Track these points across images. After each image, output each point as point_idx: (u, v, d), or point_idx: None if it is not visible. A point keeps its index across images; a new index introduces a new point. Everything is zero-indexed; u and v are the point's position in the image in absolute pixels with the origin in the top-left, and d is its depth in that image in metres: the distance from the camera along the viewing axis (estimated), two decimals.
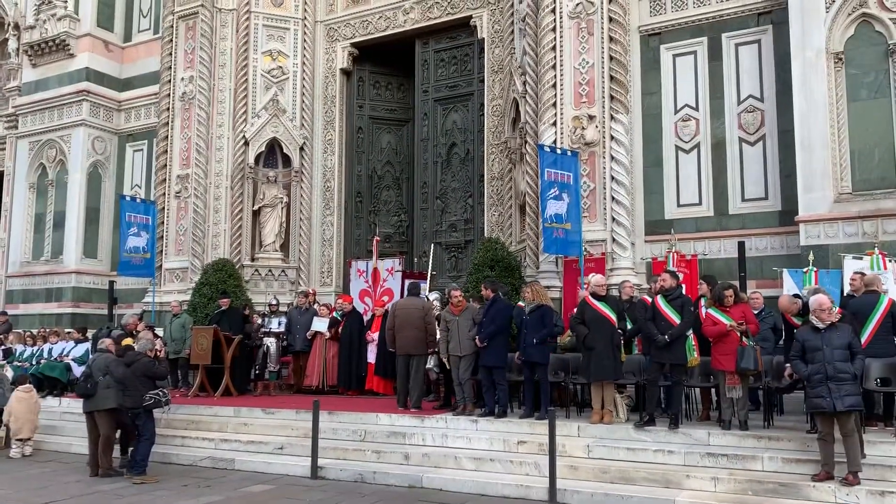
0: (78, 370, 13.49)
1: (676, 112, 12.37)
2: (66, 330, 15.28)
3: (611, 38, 12.01)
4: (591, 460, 8.02)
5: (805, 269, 9.93)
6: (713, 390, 8.92)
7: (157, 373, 9.00)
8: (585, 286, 9.47)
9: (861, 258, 9.75)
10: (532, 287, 9.72)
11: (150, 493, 7.88)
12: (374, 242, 14.37)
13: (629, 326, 9.20)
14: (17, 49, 20.06)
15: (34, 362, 13.64)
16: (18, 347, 14.31)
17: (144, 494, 7.85)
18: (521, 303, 9.83)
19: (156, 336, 13.11)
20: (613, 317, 8.75)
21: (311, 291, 14.08)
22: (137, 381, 8.69)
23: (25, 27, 19.48)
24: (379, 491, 7.86)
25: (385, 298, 13.39)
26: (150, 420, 8.83)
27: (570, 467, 7.75)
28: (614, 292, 10.07)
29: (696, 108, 12.25)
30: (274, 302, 13.42)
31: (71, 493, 8.01)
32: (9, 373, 12.31)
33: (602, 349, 8.63)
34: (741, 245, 11.26)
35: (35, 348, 14.05)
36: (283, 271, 15.89)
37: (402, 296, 13.12)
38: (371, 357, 12.37)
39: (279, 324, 12.90)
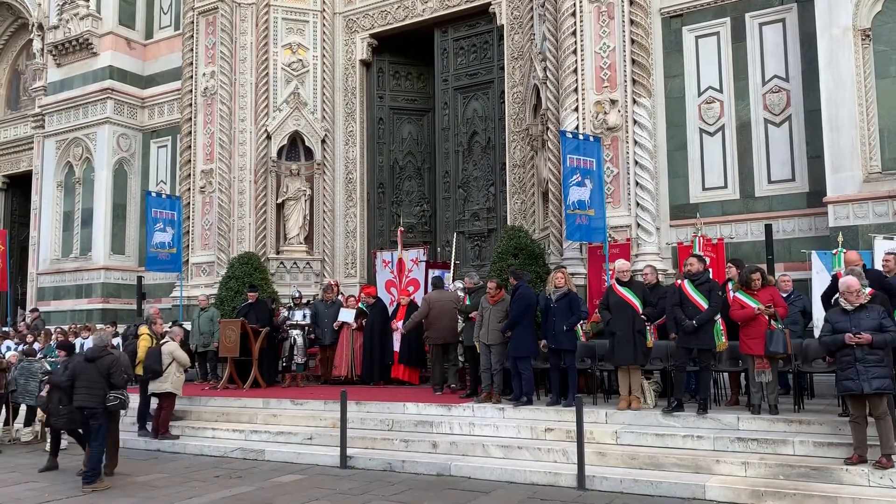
0: None
1: (700, 94, 12.18)
2: (98, 326, 15.53)
3: (632, 21, 11.87)
4: (619, 447, 8.00)
5: (834, 251, 9.76)
6: (742, 375, 8.85)
7: (117, 377, 8.30)
8: (611, 272, 9.41)
9: (892, 238, 9.58)
10: (564, 272, 9.69)
11: (182, 485, 7.99)
12: (398, 233, 14.41)
13: None
14: (42, 49, 20.34)
15: None
16: (52, 343, 14.55)
17: (178, 486, 7.96)
18: (548, 288, 9.75)
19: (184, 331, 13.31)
20: (636, 302, 8.68)
21: (333, 283, 14.14)
22: (102, 380, 8.19)
23: (49, 27, 19.73)
24: (408, 479, 7.91)
25: (410, 289, 13.46)
26: (106, 423, 8.26)
27: (599, 454, 7.74)
28: (640, 278, 10.01)
29: (720, 90, 12.06)
30: (297, 294, 13.51)
31: (107, 484, 8.14)
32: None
33: (623, 334, 8.62)
34: (768, 228, 11.09)
35: None
36: (307, 263, 15.97)
37: (426, 286, 13.23)
38: (396, 346, 12.43)
39: (304, 316, 13.00)
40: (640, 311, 8.68)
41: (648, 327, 8.79)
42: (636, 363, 8.68)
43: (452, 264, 13.37)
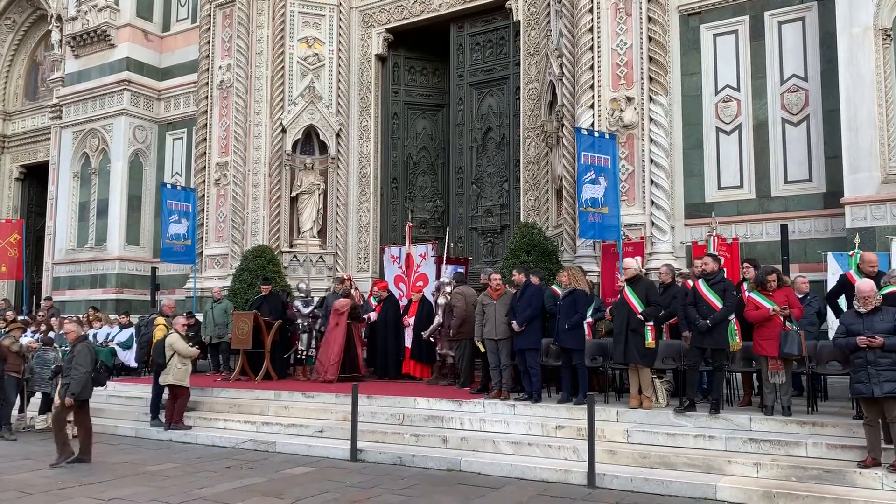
0: (123, 354, 13.86)
1: (717, 93, 12.12)
2: (112, 315, 15.64)
3: (649, 19, 11.81)
4: (630, 445, 7.98)
5: (851, 252, 9.69)
6: (755, 375, 8.80)
7: None
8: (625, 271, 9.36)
9: None
10: (569, 271, 9.67)
11: (194, 475, 8.04)
12: (407, 228, 14.39)
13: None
14: (60, 40, 20.46)
15: None
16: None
17: (190, 476, 8.01)
18: (555, 287, 9.76)
19: (196, 322, 13.38)
20: (634, 301, 8.61)
21: (346, 277, 14.16)
22: None
23: (67, 19, 19.83)
24: (418, 474, 7.92)
25: (420, 284, 13.43)
26: None
27: (609, 452, 7.73)
28: (654, 277, 9.95)
29: (738, 89, 11.99)
30: (303, 286, 13.45)
31: (119, 473, 8.21)
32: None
33: (618, 332, 8.67)
34: (784, 228, 11.03)
35: None
36: (320, 257, 16.02)
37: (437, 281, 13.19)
38: (407, 342, 12.44)
39: (312, 309, 13.01)
40: (638, 310, 8.59)
41: (648, 326, 8.63)
42: (627, 361, 8.66)
43: (445, 258, 13.29)
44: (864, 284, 7.03)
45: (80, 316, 15.63)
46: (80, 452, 8.78)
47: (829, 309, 9.03)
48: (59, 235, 19.47)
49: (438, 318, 11.42)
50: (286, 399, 10.99)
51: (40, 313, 15.30)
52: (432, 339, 11.70)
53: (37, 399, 11.79)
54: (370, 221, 16.31)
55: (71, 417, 10.65)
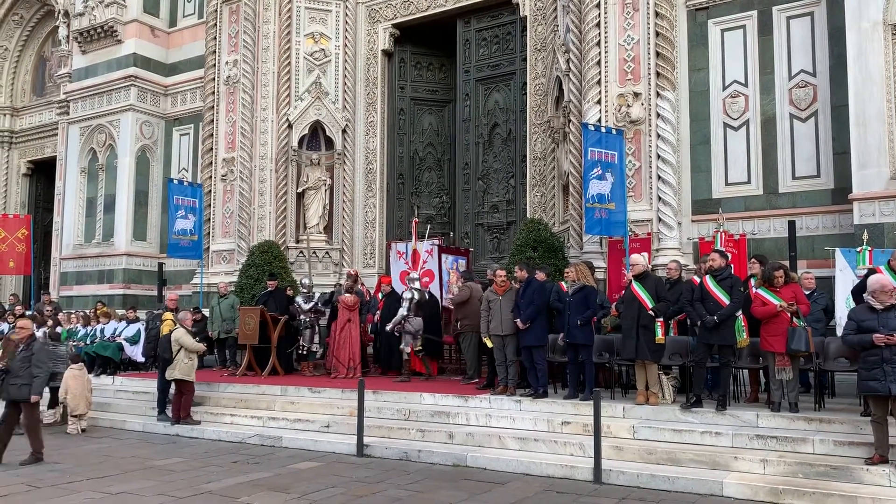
0: (130, 349, 13.91)
1: (724, 88, 12.06)
2: (119, 311, 15.69)
3: (657, 14, 11.77)
4: (636, 441, 7.97)
5: (859, 249, 9.64)
6: (762, 372, 8.77)
7: None
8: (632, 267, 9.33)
9: None
10: (576, 267, 9.66)
11: (201, 470, 8.07)
12: (413, 224, 14.39)
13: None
14: (68, 36, 20.51)
15: (88, 342, 14.06)
16: (76, 327, 14.73)
17: (196, 471, 8.04)
18: (563, 283, 9.76)
19: (202, 317, 13.41)
20: (644, 297, 8.57)
21: (352, 272, 14.17)
22: None
23: (74, 14, 19.87)
24: (424, 469, 7.93)
25: (426, 279, 13.41)
26: None
27: (616, 448, 7.72)
28: (661, 272, 9.92)
29: (746, 84, 11.93)
30: (305, 282, 13.47)
31: (126, 467, 8.25)
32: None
33: (627, 328, 8.62)
34: (791, 224, 10.97)
35: (89, 328, 14.47)
36: (326, 253, 16.03)
37: (440, 276, 13.20)
38: None
39: (313, 305, 13.03)
40: (649, 306, 8.55)
41: (658, 322, 8.59)
42: (638, 357, 8.62)
43: (423, 250, 13.29)
44: (886, 279, 6.91)
45: (88, 311, 15.72)
46: (36, 448, 8.67)
47: (836, 305, 8.99)
48: (67, 231, 19.53)
49: (402, 311, 11.41)
50: (292, 394, 11.01)
51: (46, 308, 15.37)
52: (396, 333, 11.64)
53: (45, 394, 11.82)
54: (376, 217, 16.32)
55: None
